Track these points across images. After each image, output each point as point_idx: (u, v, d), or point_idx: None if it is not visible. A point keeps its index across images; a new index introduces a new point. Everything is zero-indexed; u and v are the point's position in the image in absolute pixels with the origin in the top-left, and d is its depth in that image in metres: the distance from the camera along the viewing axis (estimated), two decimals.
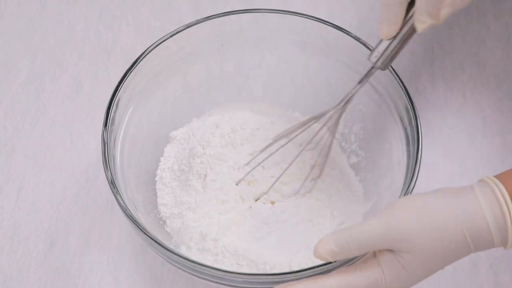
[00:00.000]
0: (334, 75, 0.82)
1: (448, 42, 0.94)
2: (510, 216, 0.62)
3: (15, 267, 0.79)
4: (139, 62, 0.77)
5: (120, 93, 0.75)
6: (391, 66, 0.76)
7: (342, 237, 0.63)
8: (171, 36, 0.78)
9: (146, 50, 0.77)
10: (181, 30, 0.79)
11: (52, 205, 0.82)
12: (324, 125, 0.75)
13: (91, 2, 0.97)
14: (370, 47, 0.77)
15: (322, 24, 0.79)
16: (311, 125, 0.75)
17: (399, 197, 0.71)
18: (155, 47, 0.78)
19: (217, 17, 0.80)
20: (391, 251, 0.63)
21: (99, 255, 0.79)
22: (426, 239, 0.62)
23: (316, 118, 0.75)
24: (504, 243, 0.63)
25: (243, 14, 0.80)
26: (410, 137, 0.74)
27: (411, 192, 0.70)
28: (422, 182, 0.82)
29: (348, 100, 0.74)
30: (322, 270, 0.67)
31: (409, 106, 0.74)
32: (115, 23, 0.96)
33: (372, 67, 0.72)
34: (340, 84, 0.82)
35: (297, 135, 0.76)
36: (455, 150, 0.86)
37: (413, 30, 0.69)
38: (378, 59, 0.71)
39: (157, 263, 0.79)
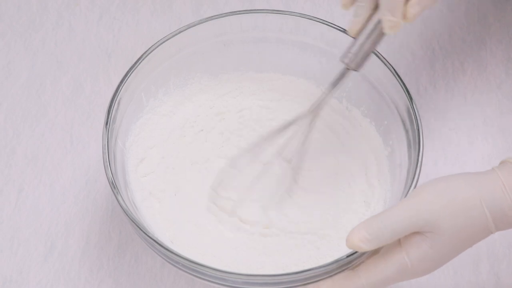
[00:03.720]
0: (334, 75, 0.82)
1: (449, 43, 0.94)
2: None
3: (15, 269, 0.79)
4: (141, 62, 0.77)
5: (121, 93, 0.75)
6: (392, 67, 0.76)
7: (374, 224, 0.64)
8: (172, 37, 0.79)
9: (147, 50, 0.77)
10: (182, 31, 0.79)
11: (52, 207, 0.82)
12: (296, 131, 0.76)
13: (91, 4, 0.97)
14: None
15: (322, 24, 0.79)
16: (284, 131, 0.76)
17: (400, 199, 0.71)
18: (156, 47, 0.78)
19: (218, 18, 0.80)
20: (417, 233, 0.64)
21: (99, 257, 0.79)
22: (451, 218, 0.63)
23: (289, 123, 0.76)
24: None
25: (243, 14, 0.80)
26: (411, 139, 0.74)
27: None
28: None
29: (320, 104, 0.74)
30: (322, 271, 0.67)
31: (410, 108, 0.74)
32: (115, 25, 0.96)
33: (346, 68, 0.72)
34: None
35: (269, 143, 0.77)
36: (455, 152, 0.86)
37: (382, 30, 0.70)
38: (349, 58, 0.72)
39: (157, 265, 0.79)
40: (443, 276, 0.78)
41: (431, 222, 0.63)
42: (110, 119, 0.73)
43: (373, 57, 0.77)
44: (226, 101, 0.84)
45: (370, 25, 0.71)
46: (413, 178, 0.70)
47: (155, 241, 0.67)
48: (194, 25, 0.80)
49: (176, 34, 0.79)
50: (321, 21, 0.79)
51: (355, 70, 0.72)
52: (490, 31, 0.94)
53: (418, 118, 0.73)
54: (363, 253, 0.67)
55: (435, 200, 0.64)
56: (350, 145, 0.81)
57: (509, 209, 0.64)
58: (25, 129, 0.87)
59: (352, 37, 0.72)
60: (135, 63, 0.77)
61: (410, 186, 0.70)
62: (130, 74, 0.76)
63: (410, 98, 0.74)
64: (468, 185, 0.64)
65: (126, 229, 0.81)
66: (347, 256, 0.66)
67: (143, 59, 0.77)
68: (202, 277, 0.68)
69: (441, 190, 0.64)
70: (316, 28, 0.80)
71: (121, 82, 0.75)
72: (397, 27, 0.69)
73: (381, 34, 0.71)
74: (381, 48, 0.78)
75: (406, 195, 0.70)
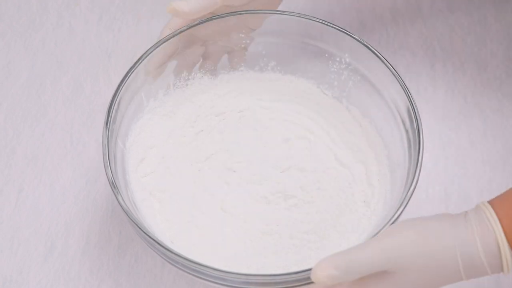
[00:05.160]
0: (335, 76, 0.82)
1: (449, 43, 0.94)
2: (501, 244, 0.63)
3: (15, 269, 0.79)
4: (141, 62, 0.77)
5: (121, 93, 0.75)
6: (392, 67, 0.76)
7: (342, 260, 0.62)
8: (172, 37, 0.78)
9: (147, 50, 0.77)
10: (182, 31, 0.79)
11: (52, 207, 0.82)
12: None
13: (91, 4, 0.97)
14: (371, 48, 0.77)
15: (322, 24, 0.79)
16: None
17: (400, 199, 0.71)
18: (156, 47, 0.78)
19: (218, 18, 0.80)
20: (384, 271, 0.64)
21: (99, 257, 0.79)
22: (420, 262, 0.63)
23: None
24: (497, 271, 0.64)
25: (243, 15, 0.80)
26: (411, 139, 0.74)
27: (411, 195, 0.70)
28: (423, 184, 0.81)
29: None
30: None
31: (410, 108, 0.74)
32: (115, 25, 0.96)
33: None
34: (342, 85, 0.82)
35: None
36: (455, 152, 0.86)
37: None
38: None
39: (157, 265, 0.79)
40: None
41: (399, 264, 0.62)
42: (110, 119, 0.73)
43: (373, 57, 0.77)
44: (226, 101, 0.84)
45: None
46: (413, 178, 0.70)
47: (155, 241, 0.67)
48: (194, 25, 0.80)
49: (176, 34, 0.79)
50: (321, 21, 0.79)
51: None
52: (490, 32, 0.94)
53: (418, 118, 0.73)
54: None
55: (407, 243, 0.63)
56: (350, 145, 0.81)
57: (478, 261, 0.63)
58: (25, 129, 0.87)
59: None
60: (135, 63, 0.77)
61: (410, 186, 0.70)
62: (130, 74, 0.76)
63: (410, 98, 0.74)
64: (443, 232, 0.63)
65: (126, 229, 0.81)
66: None
67: (143, 59, 0.77)
68: (202, 277, 0.68)
69: (416, 234, 0.63)
70: (316, 28, 0.80)
71: (121, 82, 0.75)
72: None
73: None
74: (381, 48, 0.78)
75: (405, 196, 0.70)
